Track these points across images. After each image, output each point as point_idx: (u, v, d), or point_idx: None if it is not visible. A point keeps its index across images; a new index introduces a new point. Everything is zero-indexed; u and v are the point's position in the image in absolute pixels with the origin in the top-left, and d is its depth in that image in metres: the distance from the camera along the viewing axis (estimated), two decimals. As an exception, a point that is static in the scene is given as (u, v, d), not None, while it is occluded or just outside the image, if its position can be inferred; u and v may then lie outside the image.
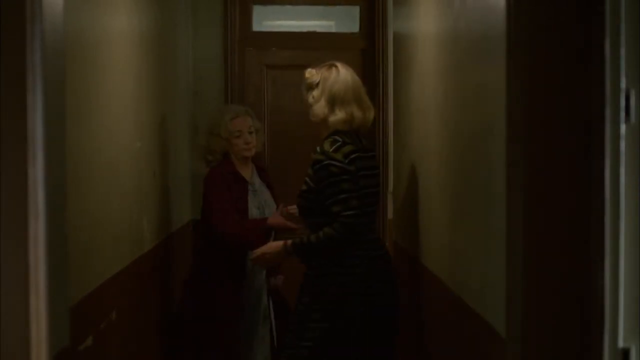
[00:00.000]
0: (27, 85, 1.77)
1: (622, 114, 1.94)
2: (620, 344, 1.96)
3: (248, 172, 4.41)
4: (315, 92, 3.52)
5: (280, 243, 3.57)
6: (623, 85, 1.92)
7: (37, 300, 1.77)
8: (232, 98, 5.76)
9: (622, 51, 1.91)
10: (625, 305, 1.96)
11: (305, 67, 3.63)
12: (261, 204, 4.40)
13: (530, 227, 2.06)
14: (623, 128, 1.94)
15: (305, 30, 6.12)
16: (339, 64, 3.53)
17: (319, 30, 6.22)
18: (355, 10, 5.85)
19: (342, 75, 3.49)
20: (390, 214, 5.53)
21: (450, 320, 3.02)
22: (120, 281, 3.23)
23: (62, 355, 2.27)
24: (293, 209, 3.95)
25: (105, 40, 3.06)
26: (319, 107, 3.49)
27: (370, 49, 5.81)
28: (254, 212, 4.34)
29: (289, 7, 6.13)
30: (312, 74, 3.55)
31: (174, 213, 4.83)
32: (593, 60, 1.93)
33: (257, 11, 5.84)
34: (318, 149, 3.41)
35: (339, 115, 3.44)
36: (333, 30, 6.46)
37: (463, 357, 2.79)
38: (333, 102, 3.45)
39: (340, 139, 3.41)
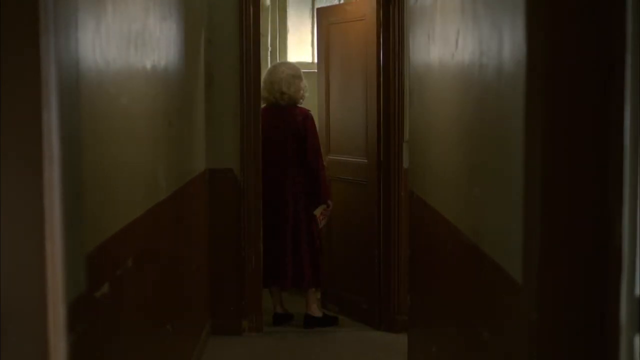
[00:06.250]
0: (40, 29, 1.75)
1: (644, 57, 1.90)
2: (638, 292, 1.95)
3: None
4: None
5: None
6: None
7: (53, 246, 1.77)
8: (247, 45, 5.72)
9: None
10: (643, 253, 1.94)
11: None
12: None
13: (548, 175, 2.04)
14: (645, 71, 1.90)
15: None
16: None
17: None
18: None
19: None
20: (405, 163, 5.50)
21: (466, 266, 3.02)
22: (136, 229, 3.24)
23: (78, 302, 2.29)
24: None
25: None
26: None
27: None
28: None
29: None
30: None
31: (189, 162, 4.83)
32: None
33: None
34: None
35: None
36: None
37: (478, 303, 2.79)
38: None
39: None
